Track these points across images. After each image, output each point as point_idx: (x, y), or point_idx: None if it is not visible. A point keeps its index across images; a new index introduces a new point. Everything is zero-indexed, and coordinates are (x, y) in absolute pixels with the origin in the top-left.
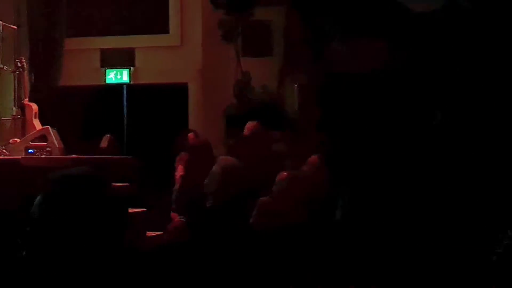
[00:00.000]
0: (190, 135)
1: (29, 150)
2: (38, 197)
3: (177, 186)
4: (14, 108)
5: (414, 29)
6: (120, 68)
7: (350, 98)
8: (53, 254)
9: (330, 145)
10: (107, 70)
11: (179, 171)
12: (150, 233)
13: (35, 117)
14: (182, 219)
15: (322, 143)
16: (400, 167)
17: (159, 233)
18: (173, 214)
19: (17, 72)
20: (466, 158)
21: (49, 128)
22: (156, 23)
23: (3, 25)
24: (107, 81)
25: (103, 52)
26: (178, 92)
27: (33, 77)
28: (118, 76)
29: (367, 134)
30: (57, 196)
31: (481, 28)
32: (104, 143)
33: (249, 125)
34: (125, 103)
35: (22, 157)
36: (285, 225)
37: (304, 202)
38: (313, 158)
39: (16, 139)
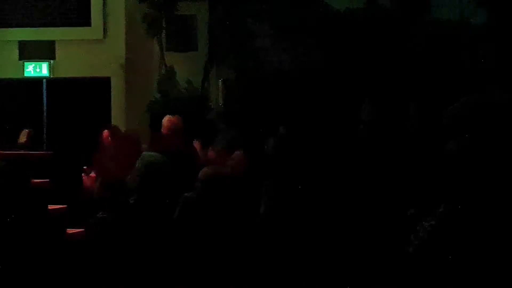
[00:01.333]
0: (105, 132)
1: None
2: None
3: (98, 181)
4: None
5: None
6: (39, 61)
7: (275, 93)
8: None
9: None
10: (25, 63)
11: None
12: (70, 230)
13: None
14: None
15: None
16: (324, 162)
17: (80, 230)
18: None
19: None
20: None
21: None
22: (78, 15)
23: None
24: (26, 74)
25: (22, 44)
26: (101, 86)
27: None
28: (37, 69)
29: (292, 129)
30: None
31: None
32: (22, 137)
33: (167, 121)
34: (45, 97)
35: None
36: (210, 221)
37: (227, 198)
38: (237, 153)
39: None
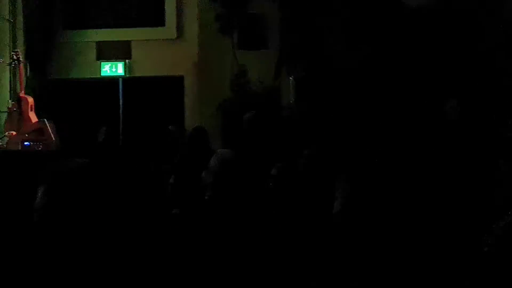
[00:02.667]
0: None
1: (26, 143)
2: (41, 188)
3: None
4: (10, 101)
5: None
6: (115, 61)
7: (346, 91)
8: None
9: (327, 138)
10: (102, 63)
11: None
12: None
13: (31, 110)
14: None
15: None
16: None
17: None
18: None
19: (13, 65)
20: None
21: (46, 121)
22: (152, 16)
23: None
24: (102, 74)
25: (99, 45)
26: (174, 84)
27: (28, 70)
28: (113, 69)
29: (364, 126)
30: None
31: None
32: (101, 135)
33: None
34: (120, 95)
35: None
36: (283, 218)
37: (299, 195)
38: (308, 150)
39: (12, 132)
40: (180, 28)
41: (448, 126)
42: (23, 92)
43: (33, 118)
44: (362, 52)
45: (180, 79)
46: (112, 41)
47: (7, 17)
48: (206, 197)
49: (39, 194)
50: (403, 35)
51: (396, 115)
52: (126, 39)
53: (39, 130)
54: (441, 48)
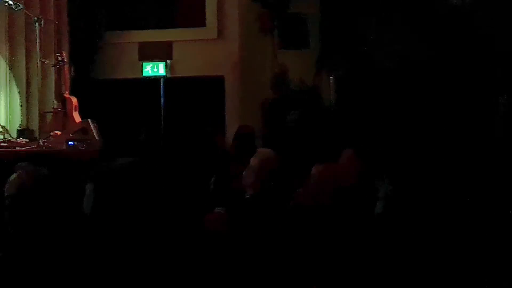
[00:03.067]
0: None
1: (70, 143)
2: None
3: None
4: (55, 101)
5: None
6: (156, 61)
7: (389, 90)
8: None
9: (369, 137)
10: (143, 63)
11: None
12: None
13: (75, 110)
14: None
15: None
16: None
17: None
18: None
19: (58, 66)
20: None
21: (89, 121)
22: (193, 16)
23: (44, 20)
24: (144, 74)
25: (141, 45)
26: (215, 84)
27: (73, 71)
28: (154, 69)
29: (407, 126)
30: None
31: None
32: (142, 135)
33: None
34: (162, 96)
35: (63, 149)
36: (322, 218)
37: (340, 195)
38: (348, 151)
39: (57, 132)
40: (220, 28)
41: (501, 123)
42: (67, 92)
43: (77, 118)
44: (405, 50)
45: (221, 79)
46: (154, 42)
47: (52, 19)
48: (246, 196)
49: (87, 193)
50: (448, 31)
51: (442, 113)
52: (167, 39)
53: (83, 130)
54: (490, 44)
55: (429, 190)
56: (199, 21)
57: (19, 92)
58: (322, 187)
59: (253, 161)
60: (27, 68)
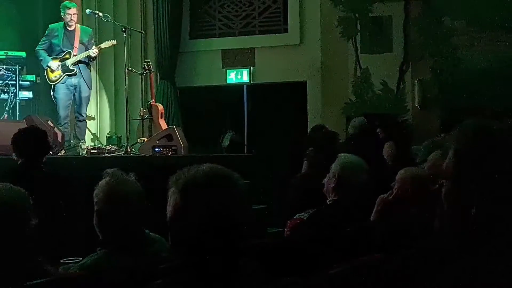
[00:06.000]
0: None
1: (156, 149)
2: (173, 194)
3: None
4: (141, 109)
5: None
6: (240, 68)
7: (475, 93)
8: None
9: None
10: (227, 70)
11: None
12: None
13: (161, 117)
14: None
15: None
16: None
17: (279, 229)
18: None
19: (144, 74)
20: None
21: (175, 127)
22: (276, 23)
23: (131, 30)
24: (228, 81)
25: (225, 52)
26: (297, 90)
27: (159, 79)
28: (238, 76)
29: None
30: (196, 193)
31: None
32: (226, 141)
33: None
34: (245, 102)
35: (149, 155)
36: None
37: (426, 201)
38: (435, 155)
39: (143, 138)
40: (302, 33)
41: None
42: (153, 100)
43: (163, 124)
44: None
45: (303, 84)
46: (237, 49)
47: (139, 29)
48: (328, 202)
49: (171, 200)
50: None
51: None
52: (250, 46)
53: (169, 136)
54: None
55: None
56: (281, 27)
57: (108, 100)
58: (410, 192)
59: (334, 166)
60: (115, 77)
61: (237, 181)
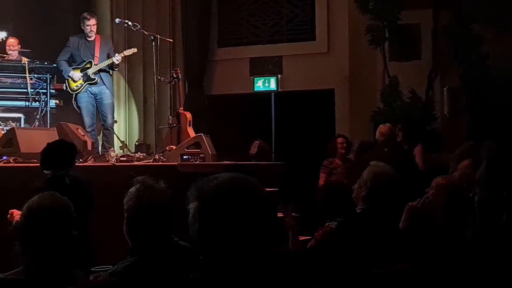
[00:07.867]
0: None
1: (184, 157)
2: (194, 204)
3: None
4: (170, 117)
5: None
6: (268, 76)
7: (506, 100)
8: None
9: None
10: (255, 78)
11: (322, 177)
12: (301, 237)
13: (189, 125)
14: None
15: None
16: None
17: (308, 237)
18: None
19: (173, 83)
20: None
21: (203, 135)
22: (303, 30)
23: (160, 39)
24: (255, 89)
25: (252, 61)
26: (325, 98)
27: (187, 87)
28: (266, 84)
29: None
30: (212, 201)
31: None
32: (253, 148)
33: (382, 129)
34: (273, 110)
35: (178, 163)
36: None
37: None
38: (465, 163)
39: (172, 146)
40: (330, 41)
41: None
42: (182, 108)
43: (191, 132)
44: None
45: (331, 92)
46: (264, 57)
47: (168, 38)
48: (357, 210)
49: (192, 211)
50: None
51: None
52: (278, 54)
53: (197, 144)
54: None
55: None
56: (309, 35)
57: (137, 108)
58: (443, 198)
59: (366, 174)
60: (144, 85)
61: (259, 190)
